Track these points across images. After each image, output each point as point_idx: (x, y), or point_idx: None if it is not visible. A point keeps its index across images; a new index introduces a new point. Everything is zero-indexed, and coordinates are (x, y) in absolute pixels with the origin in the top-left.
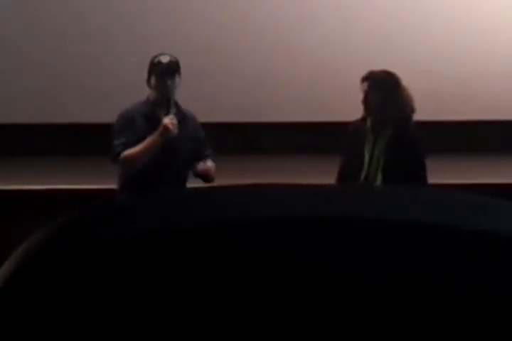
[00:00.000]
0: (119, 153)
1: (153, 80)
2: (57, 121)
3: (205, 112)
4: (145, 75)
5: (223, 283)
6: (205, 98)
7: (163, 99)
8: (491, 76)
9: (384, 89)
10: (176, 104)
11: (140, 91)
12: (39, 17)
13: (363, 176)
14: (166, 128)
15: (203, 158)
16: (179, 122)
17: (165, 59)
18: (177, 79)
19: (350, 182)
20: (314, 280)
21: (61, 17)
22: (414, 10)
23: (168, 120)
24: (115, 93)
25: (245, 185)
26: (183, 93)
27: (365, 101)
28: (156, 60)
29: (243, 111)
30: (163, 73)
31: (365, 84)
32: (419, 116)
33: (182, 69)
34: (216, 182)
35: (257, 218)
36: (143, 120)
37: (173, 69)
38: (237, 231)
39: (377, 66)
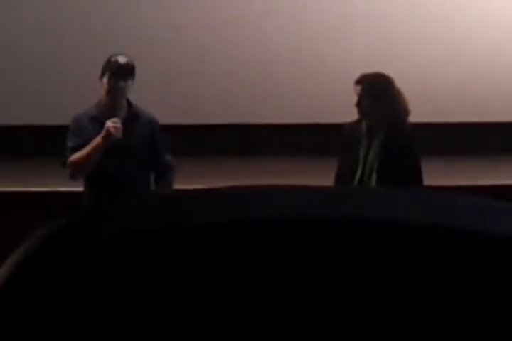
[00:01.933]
0: (67, 158)
1: (105, 79)
2: (57, 122)
3: (204, 114)
4: (145, 77)
5: (220, 283)
6: (203, 100)
7: (111, 100)
8: (490, 77)
9: (377, 92)
10: (130, 105)
11: (141, 93)
12: (39, 17)
13: (357, 178)
14: (108, 131)
15: (160, 162)
16: (131, 123)
17: (122, 59)
18: (129, 82)
19: (346, 184)
20: (313, 280)
21: (61, 18)
22: (411, 12)
23: (111, 123)
24: None
25: (243, 186)
26: (182, 95)
27: (359, 104)
28: (113, 58)
29: (243, 113)
30: (117, 73)
31: (359, 87)
32: (416, 117)
33: (181, 71)
34: (214, 184)
35: (255, 219)
36: (93, 123)
37: (127, 71)
38: (235, 232)
39: (376, 68)
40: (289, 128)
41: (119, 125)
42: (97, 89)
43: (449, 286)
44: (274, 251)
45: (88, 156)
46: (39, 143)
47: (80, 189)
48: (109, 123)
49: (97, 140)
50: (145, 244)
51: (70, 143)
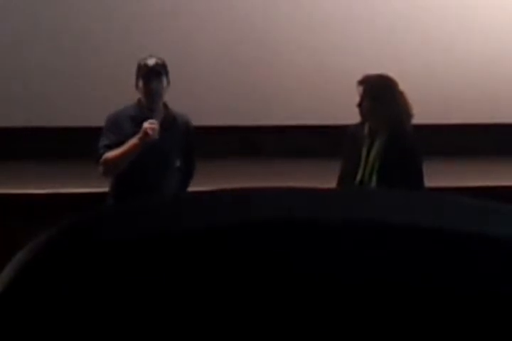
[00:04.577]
0: (99, 155)
1: (139, 83)
2: (58, 124)
3: (205, 115)
4: None
5: (222, 285)
6: (205, 101)
7: (149, 102)
8: (490, 78)
9: (378, 94)
10: (166, 107)
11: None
12: (39, 18)
13: (358, 179)
14: (145, 132)
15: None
16: (168, 126)
17: (151, 61)
18: (163, 82)
19: (347, 185)
20: (313, 281)
21: (62, 19)
22: (413, 13)
23: (148, 124)
24: (115, 96)
25: (244, 188)
26: (184, 96)
27: (360, 105)
28: (142, 62)
29: (243, 115)
30: (148, 76)
31: (361, 87)
32: (416, 119)
33: (182, 73)
34: (216, 186)
35: (256, 220)
36: (130, 122)
37: (158, 71)
38: (236, 234)
39: (377, 69)
40: (290, 130)
41: (156, 126)
42: (98, 92)
43: (449, 287)
44: (274, 253)
45: (123, 155)
46: (40, 144)
47: (82, 190)
48: (146, 125)
49: (134, 140)
50: (148, 246)
51: (105, 141)
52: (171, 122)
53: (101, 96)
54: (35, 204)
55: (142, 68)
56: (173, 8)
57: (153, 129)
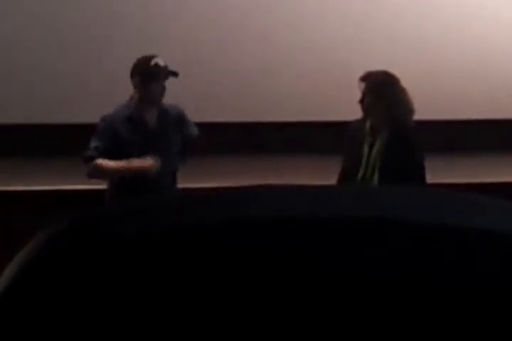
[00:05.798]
0: (90, 156)
1: (139, 81)
2: (58, 121)
3: (208, 112)
4: None
5: (225, 282)
6: (207, 98)
7: (146, 101)
8: (491, 74)
9: (380, 91)
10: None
11: None
12: (39, 17)
13: (360, 176)
14: (144, 169)
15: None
16: (162, 121)
17: (161, 62)
18: (164, 85)
19: (349, 182)
20: (313, 279)
21: (62, 17)
22: (414, 9)
23: (148, 163)
24: (117, 93)
25: (247, 186)
26: (187, 93)
27: (362, 102)
28: (152, 61)
29: (245, 111)
30: (155, 76)
31: (363, 84)
32: (419, 115)
33: (185, 70)
34: (218, 182)
35: (258, 218)
36: (124, 121)
37: (166, 73)
38: (239, 231)
39: (378, 65)
40: (292, 126)
41: (156, 162)
42: (97, 89)
43: (448, 284)
44: (275, 251)
45: (118, 171)
46: (41, 141)
47: (82, 187)
48: (146, 163)
49: (135, 164)
50: (150, 243)
51: (96, 143)
52: (163, 117)
53: (102, 93)
54: (37, 201)
55: (152, 68)
56: (175, 7)
57: (154, 166)
